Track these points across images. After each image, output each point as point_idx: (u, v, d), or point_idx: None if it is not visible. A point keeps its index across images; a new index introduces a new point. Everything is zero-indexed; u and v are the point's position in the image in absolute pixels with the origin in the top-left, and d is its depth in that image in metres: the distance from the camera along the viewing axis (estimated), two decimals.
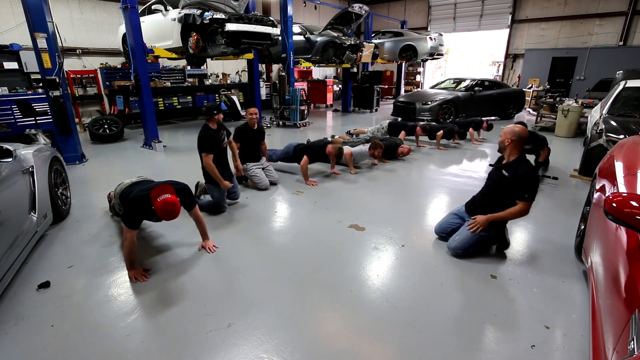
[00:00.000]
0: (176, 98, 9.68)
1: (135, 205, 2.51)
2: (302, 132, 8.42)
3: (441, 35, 13.36)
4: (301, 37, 9.51)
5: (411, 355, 1.89)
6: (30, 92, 6.86)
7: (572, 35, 13.78)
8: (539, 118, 9.26)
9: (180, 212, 2.49)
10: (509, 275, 2.63)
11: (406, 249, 3.01)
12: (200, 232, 2.98)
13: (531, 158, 3.85)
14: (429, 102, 9.20)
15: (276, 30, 7.40)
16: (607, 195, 2.09)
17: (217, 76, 11.68)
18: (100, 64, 9.25)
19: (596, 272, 1.94)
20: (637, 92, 5.52)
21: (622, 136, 4.26)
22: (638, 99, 5.41)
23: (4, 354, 1.89)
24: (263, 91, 11.15)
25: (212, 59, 9.45)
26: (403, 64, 14.33)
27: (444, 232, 3.13)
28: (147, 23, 7.00)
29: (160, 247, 3.03)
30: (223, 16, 6.36)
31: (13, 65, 7.01)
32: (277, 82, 10.26)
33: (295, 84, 9.86)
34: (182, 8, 6.29)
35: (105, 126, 7.34)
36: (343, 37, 9.88)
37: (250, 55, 8.69)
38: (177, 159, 6.03)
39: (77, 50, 9.06)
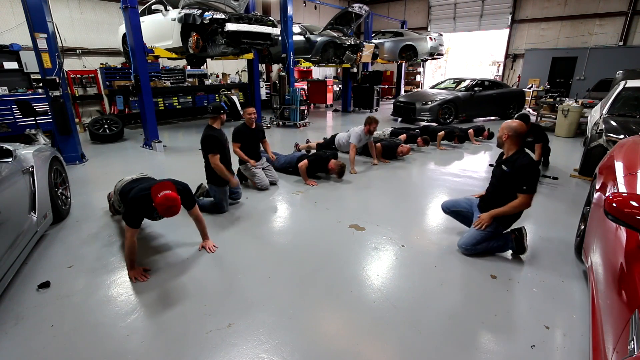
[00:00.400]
0: (176, 98, 9.68)
1: (136, 203, 2.51)
2: (302, 132, 8.42)
3: (441, 35, 13.36)
4: (301, 37, 9.51)
5: (411, 355, 1.89)
6: (30, 92, 6.86)
7: (572, 35, 13.78)
8: (539, 118, 9.26)
9: (180, 208, 2.48)
10: (509, 275, 2.63)
11: (406, 249, 3.01)
12: (200, 232, 2.98)
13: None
14: (429, 102, 9.20)
15: (276, 30, 7.40)
16: (607, 195, 2.09)
17: (217, 76, 11.68)
18: (100, 64, 9.25)
19: (596, 272, 1.94)
20: (637, 92, 5.52)
21: (622, 136, 4.25)
22: (638, 99, 5.41)
23: (4, 354, 1.89)
24: (263, 91, 11.15)
25: (212, 59, 9.45)
26: (403, 64, 14.33)
27: (449, 208, 3.21)
28: (147, 23, 7.00)
29: (160, 247, 3.03)
30: (223, 16, 6.36)
31: (13, 65, 7.01)
32: (277, 82, 10.26)
33: (295, 84, 9.86)
34: (182, 8, 6.29)
35: (105, 126, 7.34)
36: (343, 37, 9.88)
37: (250, 55, 8.69)
38: (177, 159, 6.03)
39: (77, 50, 9.05)
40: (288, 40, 8.59)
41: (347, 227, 3.41)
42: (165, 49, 6.94)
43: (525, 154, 2.71)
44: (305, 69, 15.00)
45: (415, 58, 12.77)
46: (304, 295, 2.39)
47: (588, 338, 1.91)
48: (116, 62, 9.70)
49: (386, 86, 16.26)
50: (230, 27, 6.42)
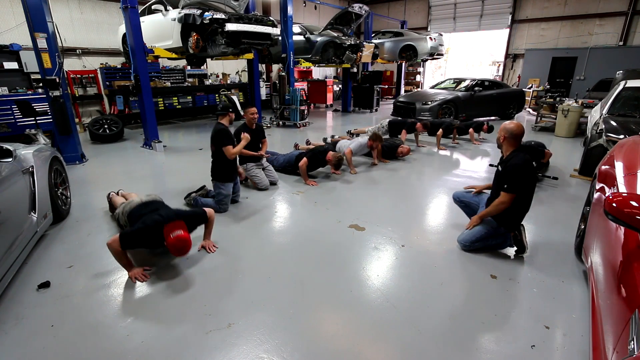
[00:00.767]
0: (176, 98, 9.68)
1: (146, 234, 2.51)
2: (302, 132, 8.42)
3: (441, 35, 13.36)
4: (301, 37, 9.51)
5: (411, 355, 1.89)
6: (30, 92, 6.86)
7: (572, 35, 13.78)
8: (539, 118, 9.26)
9: (190, 248, 2.58)
10: (509, 275, 2.63)
11: (406, 249, 3.01)
12: (205, 229, 2.99)
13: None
14: (429, 102, 9.20)
15: (276, 30, 7.40)
16: (607, 195, 2.09)
17: (217, 76, 11.68)
18: (100, 64, 9.25)
19: (596, 272, 1.94)
20: (637, 92, 5.53)
21: (622, 136, 4.25)
22: (638, 99, 5.41)
23: (4, 354, 1.89)
24: (263, 91, 11.15)
25: (212, 59, 9.45)
26: (403, 64, 14.33)
27: (459, 198, 3.34)
28: (147, 23, 7.00)
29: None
30: (223, 16, 6.36)
31: (13, 65, 7.01)
32: (277, 82, 10.26)
33: (295, 84, 9.86)
34: (182, 8, 6.29)
35: (105, 126, 7.34)
36: (343, 37, 9.88)
37: (250, 55, 8.70)
38: (177, 159, 6.03)
39: (77, 50, 9.05)
40: (288, 40, 8.59)
41: (347, 227, 3.41)
42: (165, 49, 6.94)
43: (520, 154, 2.70)
44: (305, 69, 15.00)
45: (415, 58, 12.77)
46: (304, 295, 2.39)
47: (588, 338, 1.91)
48: (116, 62, 9.70)
49: (386, 86, 16.26)
50: (230, 27, 6.42)
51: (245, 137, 3.84)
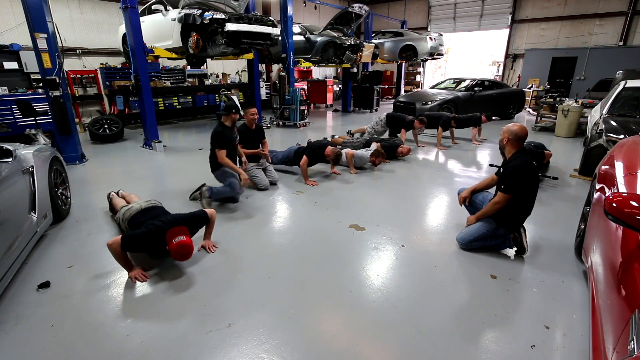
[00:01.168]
0: (176, 98, 9.68)
1: (148, 239, 2.52)
2: (302, 132, 8.43)
3: (441, 35, 13.37)
4: (301, 37, 9.51)
5: (411, 355, 1.89)
6: (30, 92, 6.86)
7: (572, 35, 13.78)
8: (539, 118, 9.26)
9: (192, 253, 2.59)
10: (509, 275, 2.63)
11: (406, 249, 3.01)
12: (206, 228, 2.99)
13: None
14: (429, 102, 9.20)
15: (276, 30, 7.40)
16: (607, 195, 2.10)
17: (217, 76, 11.68)
18: (100, 64, 9.25)
19: (596, 272, 1.94)
20: (637, 92, 5.52)
21: (622, 136, 4.25)
22: (638, 99, 5.41)
23: (4, 354, 1.89)
24: (263, 91, 11.15)
25: (212, 59, 9.45)
26: (403, 64, 14.33)
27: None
28: (147, 23, 7.00)
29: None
30: (223, 16, 6.36)
31: (13, 65, 7.01)
32: (277, 82, 10.26)
33: (295, 84, 9.86)
34: (182, 8, 6.29)
35: (105, 126, 7.34)
36: (343, 37, 9.88)
37: (250, 55, 8.69)
38: (177, 159, 6.03)
39: (77, 50, 9.06)
40: (288, 40, 8.59)
41: (347, 227, 3.41)
42: (165, 49, 6.94)
43: (521, 156, 2.70)
44: (305, 69, 15.00)
45: (415, 58, 12.77)
46: (304, 295, 2.39)
47: (588, 338, 1.91)
48: (116, 62, 9.70)
49: (386, 86, 16.26)
50: (230, 27, 6.42)
51: (245, 176, 3.83)
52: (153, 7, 7.33)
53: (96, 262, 2.79)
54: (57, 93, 5.26)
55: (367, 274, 2.65)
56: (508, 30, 15.17)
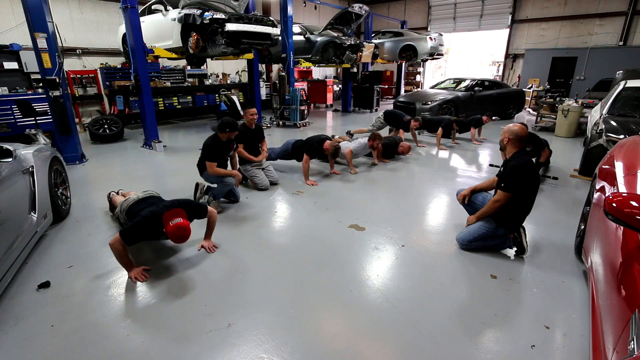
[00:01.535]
0: (176, 98, 9.68)
1: (145, 226, 2.51)
2: (302, 132, 8.43)
3: (441, 35, 13.36)
4: (301, 37, 9.51)
5: (411, 355, 1.89)
6: (30, 92, 6.86)
7: (572, 35, 13.78)
8: (539, 118, 9.26)
9: (190, 235, 2.55)
10: (509, 275, 2.63)
11: (406, 249, 3.01)
12: (207, 229, 2.99)
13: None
14: (429, 102, 9.20)
15: (276, 30, 7.40)
16: (607, 195, 2.09)
17: (217, 76, 11.68)
18: (100, 64, 9.25)
19: (596, 272, 1.94)
20: (637, 92, 5.52)
21: (622, 136, 4.25)
22: (638, 99, 5.41)
23: (4, 354, 1.89)
24: (263, 91, 11.14)
25: (212, 59, 9.45)
26: (403, 64, 14.33)
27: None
28: (147, 23, 7.00)
29: (160, 247, 3.03)
30: (223, 16, 6.36)
31: (13, 65, 7.01)
32: (277, 82, 10.26)
33: (295, 84, 9.86)
34: (182, 8, 6.29)
35: (105, 126, 7.34)
36: (343, 37, 9.88)
37: (250, 55, 8.69)
38: (177, 159, 6.03)
39: (77, 50, 9.06)
40: (288, 40, 8.59)
41: (347, 227, 3.41)
42: (165, 49, 6.94)
43: (522, 155, 2.70)
44: (305, 69, 15.00)
45: (415, 58, 12.77)
46: (304, 295, 2.39)
47: (588, 338, 1.91)
48: (116, 62, 9.70)
49: (386, 86, 16.26)
50: (230, 27, 6.42)
51: (240, 176, 3.88)
52: (153, 7, 7.33)
53: (96, 262, 2.79)
54: (57, 93, 5.26)
55: (367, 274, 2.65)
56: (508, 30, 15.17)
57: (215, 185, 3.86)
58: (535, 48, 14.38)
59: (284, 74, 8.95)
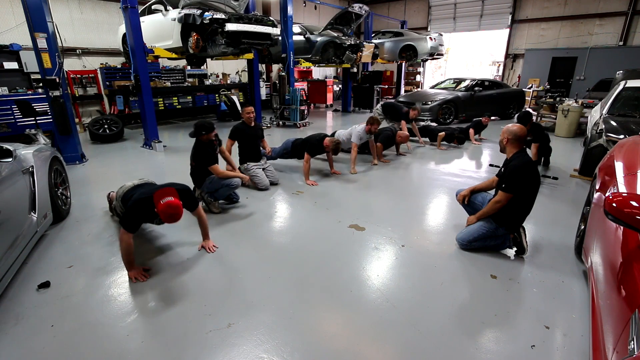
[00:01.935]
0: (176, 98, 9.68)
1: (138, 208, 2.50)
2: (302, 132, 8.42)
3: (441, 35, 13.35)
4: (301, 37, 9.51)
5: (411, 355, 1.89)
6: (30, 92, 6.86)
7: (572, 35, 13.78)
8: (539, 118, 9.26)
9: (182, 214, 2.50)
10: (509, 275, 2.63)
11: (406, 249, 3.01)
12: (202, 231, 2.98)
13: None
14: (429, 102, 9.20)
15: (276, 30, 7.40)
16: (607, 195, 2.09)
17: (217, 76, 11.67)
18: (100, 64, 9.25)
19: (596, 272, 1.94)
20: (637, 92, 5.52)
21: (622, 136, 4.25)
22: (638, 99, 5.41)
23: (4, 354, 1.89)
24: (263, 91, 11.14)
25: (212, 59, 9.45)
26: (403, 64, 14.32)
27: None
28: (147, 23, 7.00)
29: (161, 247, 3.03)
30: (223, 16, 6.36)
31: (13, 65, 7.01)
32: (277, 82, 10.26)
33: (295, 84, 9.86)
34: (182, 8, 6.29)
35: (105, 126, 7.34)
36: (343, 37, 9.88)
37: (250, 55, 8.69)
38: (177, 159, 6.03)
39: (77, 50, 9.06)
40: (288, 40, 8.59)
41: (347, 227, 3.41)
42: (165, 49, 6.94)
43: (522, 156, 2.70)
44: (305, 69, 15.00)
45: (415, 58, 12.76)
46: (304, 295, 2.39)
47: (588, 338, 1.91)
48: (116, 62, 9.70)
49: (386, 86, 16.24)
50: (230, 27, 6.42)
51: (246, 178, 3.88)
52: (153, 7, 7.33)
53: (96, 262, 2.79)
54: (57, 93, 5.26)
55: (367, 274, 2.65)
56: (508, 30, 15.16)
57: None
58: (535, 48, 14.37)
59: (284, 74, 8.95)
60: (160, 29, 6.90)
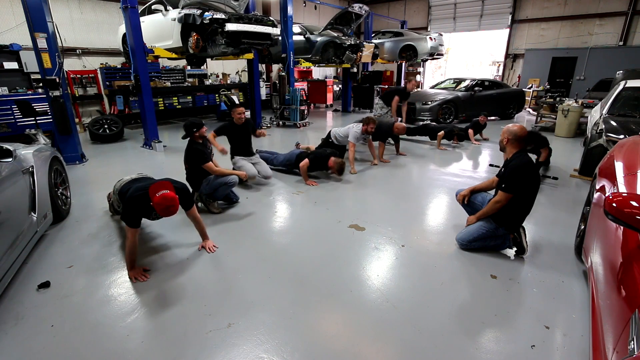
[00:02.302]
0: (176, 98, 9.67)
1: (134, 203, 2.51)
2: (302, 132, 8.43)
3: (441, 35, 13.35)
4: (301, 37, 9.51)
5: (411, 355, 1.89)
6: (30, 92, 6.86)
7: (572, 35, 13.78)
8: (539, 118, 9.26)
9: (178, 208, 2.49)
10: (509, 275, 2.63)
11: (406, 249, 3.01)
12: (199, 232, 2.98)
13: (533, 158, 3.84)
14: (429, 102, 9.20)
15: (276, 30, 7.40)
16: (607, 195, 2.09)
17: (217, 76, 11.67)
18: (100, 64, 9.24)
19: (596, 272, 1.94)
20: (637, 92, 5.52)
21: (622, 136, 4.25)
22: (638, 99, 5.41)
23: (4, 354, 1.89)
24: (263, 91, 11.14)
25: (212, 59, 9.44)
26: (403, 64, 14.32)
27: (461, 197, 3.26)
28: (147, 23, 7.00)
29: (160, 247, 3.03)
30: (223, 16, 6.35)
31: (13, 65, 7.01)
32: (277, 82, 10.26)
33: (295, 84, 9.86)
34: (182, 8, 6.29)
35: (105, 126, 7.34)
36: (343, 37, 9.87)
37: (250, 55, 8.69)
38: (177, 159, 6.01)
39: (77, 50, 9.05)
40: (288, 40, 8.59)
41: (347, 227, 3.41)
42: (165, 49, 6.94)
43: (522, 155, 2.70)
44: (305, 69, 14.99)
45: (415, 58, 12.76)
46: (304, 295, 2.39)
47: (588, 338, 1.91)
48: (116, 62, 9.70)
49: (386, 86, 16.23)
50: (230, 27, 6.41)
51: (244, 175, 3.89)
52: (153, 7, 7.32)
53: (96, 262, 2.79)
54: (57, 93, 5.26)
55: (367, 274, 2.65)
56: (508, 30, 15.16)
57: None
58: (535, 48, 14.37)
59: (284, 74, 8.95)
60: (160, 29, 6.90)
